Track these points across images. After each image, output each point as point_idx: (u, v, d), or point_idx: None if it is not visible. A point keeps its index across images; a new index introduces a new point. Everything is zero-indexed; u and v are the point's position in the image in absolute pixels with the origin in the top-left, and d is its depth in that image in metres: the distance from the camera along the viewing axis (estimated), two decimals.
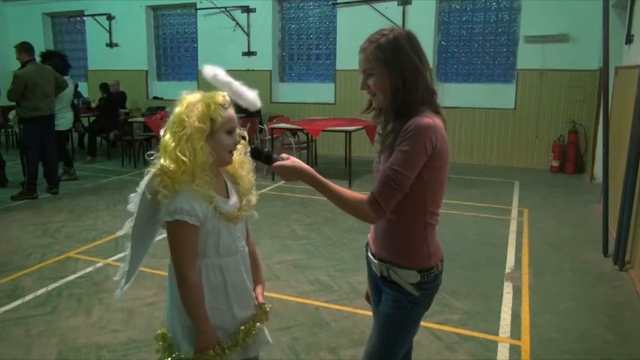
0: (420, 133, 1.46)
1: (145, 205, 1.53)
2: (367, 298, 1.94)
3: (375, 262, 1.68)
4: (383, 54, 1.51)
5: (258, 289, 1.77)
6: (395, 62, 1.51)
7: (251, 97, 1.62)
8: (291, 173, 1.57)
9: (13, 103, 6.57)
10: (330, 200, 1.58)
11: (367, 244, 1.78)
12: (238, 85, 1.60)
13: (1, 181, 6.79)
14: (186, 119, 1.48)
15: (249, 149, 1.67)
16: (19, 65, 6.17)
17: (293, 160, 1.58)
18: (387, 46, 1.51)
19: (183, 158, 1.46)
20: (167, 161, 1.47)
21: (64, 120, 7.05)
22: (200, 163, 1.48)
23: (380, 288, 1.70)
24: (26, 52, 6.10)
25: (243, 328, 1.64)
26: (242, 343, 1.63)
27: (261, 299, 1.75)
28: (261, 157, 1.63)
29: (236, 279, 1.62)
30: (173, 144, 1.48)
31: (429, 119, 1.49)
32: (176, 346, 1.61)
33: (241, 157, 1.69)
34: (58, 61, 6.68)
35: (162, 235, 1.63)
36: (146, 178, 1.52)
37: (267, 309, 1.75)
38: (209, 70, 1.58)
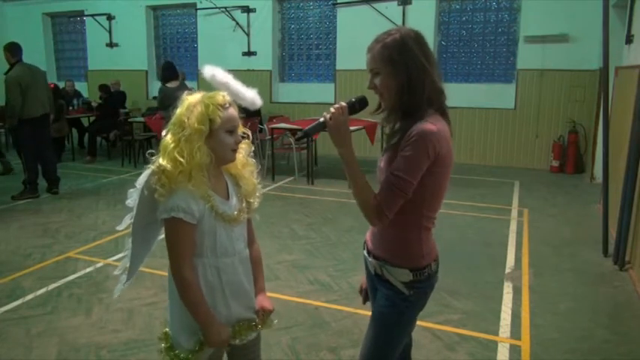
0: (422, 139, 1.46)
1: (144, 202, 1.55)
2: (360, 291, 1.93)
3: (371, 260, 1.69)
4: (388, 53, 1.52)
5: (261, 298, 1.74)
6: (400, 61, 1.51)
7: (250, 96, 1.63)
8: (346, 131, 1.54)
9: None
10: (348, 179, 1.58)
11: (365, 242, 1.79)
12: (237, 85, 1.61)
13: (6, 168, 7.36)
14: (186, 120, 1.50)
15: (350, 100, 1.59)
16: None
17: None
18: (393, 45, 1.52)
19: (181, 159, 1.48)
20: (165, 161, 1.49)
21: None
22: (197, 163, 1.50)
23: (376, 286, 1.71)
24: (11, 52, 5.81)
25: (234, 327, 1.64)
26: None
27: (269, 306, 1.72)
28: (356, 106, 1.58)
29: (233, 280, 1.62)
30: (172, 145, 1.51)
31: (431, 125, 1.49)
32: (175, 344, 1.62)
33: (244, 157, 1.69)
34: None
35: (161, 235, 1.63)
36: (144, 175, 1.54)
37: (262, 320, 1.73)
38: (208, 71, 1.60)
